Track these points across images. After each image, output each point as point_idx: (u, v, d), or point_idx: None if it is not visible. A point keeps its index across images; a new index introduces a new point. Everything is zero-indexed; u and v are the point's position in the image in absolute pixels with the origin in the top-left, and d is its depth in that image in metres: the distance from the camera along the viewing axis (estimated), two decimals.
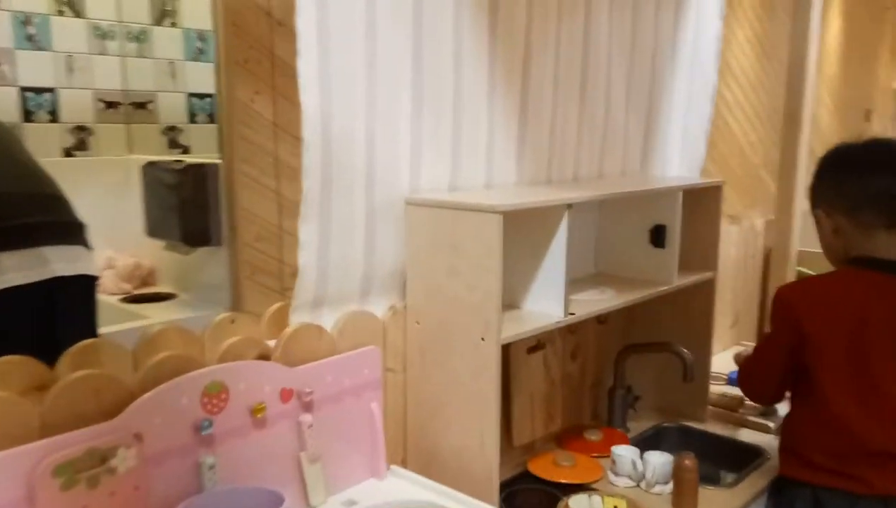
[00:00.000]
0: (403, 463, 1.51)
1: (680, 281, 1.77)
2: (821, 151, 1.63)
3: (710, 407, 1.99)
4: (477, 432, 1.37)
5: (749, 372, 1.63)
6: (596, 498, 1.47)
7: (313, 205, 1.29)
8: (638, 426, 1.93)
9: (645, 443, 1.85)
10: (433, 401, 1.45)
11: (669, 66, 2.04)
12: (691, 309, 1.92)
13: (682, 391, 1.96)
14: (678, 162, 2.16)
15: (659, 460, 1.60)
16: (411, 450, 1.51)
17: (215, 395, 1.16)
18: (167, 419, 1.10)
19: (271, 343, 1.28)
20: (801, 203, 2.61)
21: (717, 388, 2.06)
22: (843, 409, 1.41)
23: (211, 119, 1.28)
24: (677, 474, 1.53)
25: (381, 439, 1.40)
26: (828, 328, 1.42)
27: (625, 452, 1.65)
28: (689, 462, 1.52)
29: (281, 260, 1.30)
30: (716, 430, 1.92)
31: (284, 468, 1.26)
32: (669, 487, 1.59)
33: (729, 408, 2.00)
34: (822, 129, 3.41)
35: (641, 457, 1.63)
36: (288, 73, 1.24)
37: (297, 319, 1.31)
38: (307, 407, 1.28)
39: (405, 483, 1.38)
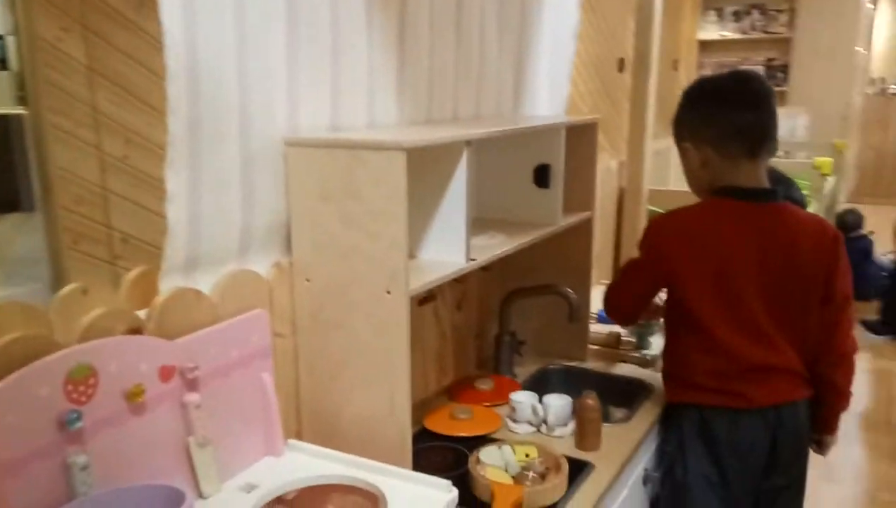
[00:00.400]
0: (298, 436, 1.36)
1: (563, 221, 1.73)
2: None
3: (590, 346, 2.00)
4: (385, 394, 1.26)
5: (613, 292, 1.68)
6: (506, 448, 1.41)
7: (181, 150, 1.09)
8: (524, 371, 1.90)
9: (534, 387, 1.82)
10: (330, 366, 1.31)
11: (536, 5, 1.98)
12: (569, 250, 1.90)
13: (563, 332, 1.95)
14: (546, 103, 2.12)
15: (559, 402, 1.57)
16: (307, 421, 1.36)
17: (82, 381, 0.95)
18: (22, 416, 0.89)
19: (141, 314, 1.08)
20: (651, 144, 2.70)
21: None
22: (719, 333, 1.48)
23: (3, 64, 1.04)
24: (580, 414, 1.51)
25: (276, 412, 1.24)
26: (695, 260, 1.48)
27: (524, 398, 1.60)
28: (592, 401, 1.51)
29: (108, 225, 1.08)
30: (598, 368, 1.93)
31: (170, 457, 1.08)
32: (569, 428, 1.57)
33: (608, 346, 2.03)
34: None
35: (540, 401, 1.60)
36: (101, 9, 1.02)
37: (168, 284, 1.12)
38: (192, 385, 1.10)
39: (306, 458, 1.24)
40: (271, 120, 1.24)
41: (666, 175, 3.39)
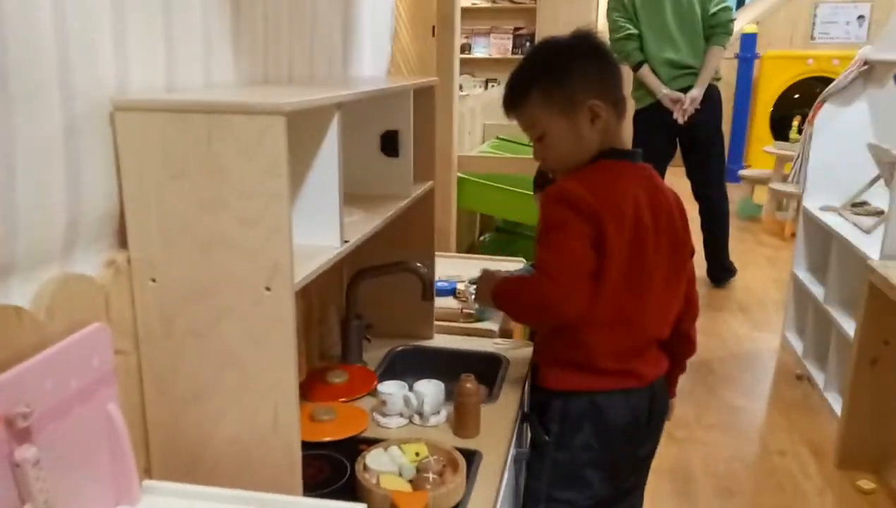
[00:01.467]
0: (147, 474, 1.10)
1: (414, 192, 1.59)
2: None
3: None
4: (268, 409, 1.04)
5: (554, 278, 1.32)
6: (394, 450, 1.26)
7: None
8: (372, 357, 1.75)
9: (388, 374, 1.68)
10: (191, 385, 1.06)
11: None
12: (412, 224, 1.76)
13: (409, 311, 1.82)
14: (370, 63, 1.95)
15: (433, 390, 1.45)
16: (158, 455, 1.10)
17: None
18: None
19: None
20: (457, 109, 2.64)
21: None
22: (629, 304, 1.38)
23: None
24: (460, 399, 1.40)
25: (129, 451, 0.98)
26: (617, 224, 1.33)
27: (393, 389, 1.46)
28: (471, 384, 1.41)
29: None
30: (447, 345, 1.84)
31: None
32: (443, 416, 1.46)
33: (449, 320, 1.94)
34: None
35: (410, 390, 1.46)
36: None
37: None
38: (24, 436, 0.81)
39: (172, 502, 1.00)
40: (96, 77, 0.96)
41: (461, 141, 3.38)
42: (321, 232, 1.17)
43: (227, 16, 1.22)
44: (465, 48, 7.99)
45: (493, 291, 1.46)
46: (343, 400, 1.54)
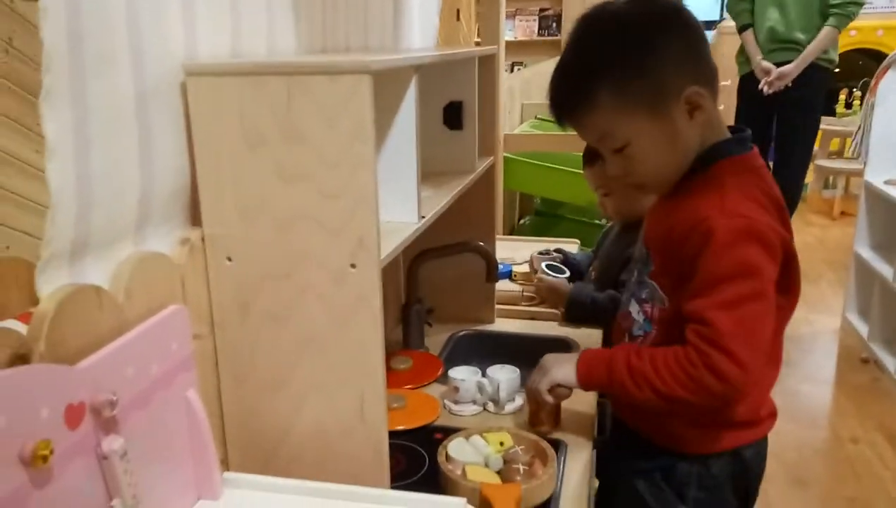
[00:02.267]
0: (224, 465, 1.04)
1: (479, 166, 1.51)
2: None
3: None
4: (353, 397, 0.97)
5: (745, 366, 0.97)
6: (477, 440, 1.19)
7: (61, 76, 0.73)
8: (433, 342, 1.68)
9: (452, 360, 1.61)
10: (271, 371, 0.99)
11: None
12: (473, 202, 1.68)
13: (469, 294, 1.75)
14: (418, 35, 1.87)
15: (508, 376, 1.37)
16: (236, 447, 1.03)
17: None
18: None
19: (19, 329, 0.71)
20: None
21: None
22: (782, 335, 1.13)
23: None
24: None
25: (210, 442, 0.91)
26: (790, 244, 1.06)
27: (467, 375, 1.38)
28: None
29: None
30: (511, 329, 1.76)
31: None
32: (518, 402, 1.38)
33: (511, 303, 1.86)
34: None
35: (484, 376, 1.39)
36: None
37: (51, 282, 0.75)
38: (110, 426, 0.75)
39: (258, 496, 0.93)
40: (166, 44, 0.89)
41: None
42: (398, 206, 1.09)
43: None
44: None
45: (591, 365, 1.13)
46: (410, 387, 1.47)
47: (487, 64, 1.58)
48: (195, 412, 0.90)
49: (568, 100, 1.07)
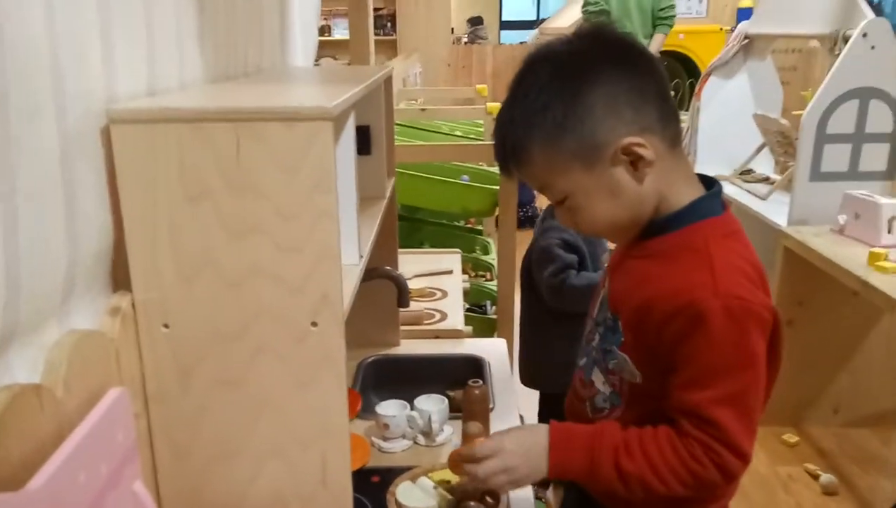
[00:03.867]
0: None
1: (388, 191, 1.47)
2: None
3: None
4: (314, 460, 0.90)
5: (745, 456, 0.91)
6: (424, 481, 1.15)
7: None
8: None
9: (363, 389, 1.56)
10: (219, 442, 0.89)
11: None
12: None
13: (371, 318, 1.70)
14: (301, 52, 1.78)
15: (438, 406, 1.35)
16: None
17: None
18: None
19: None
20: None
21: None
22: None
23: None
24: (470, 407, 1.30)
25: None
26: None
27: (396, 410, 1.34)
28: (480, 391, 1.31)
29: None
30: (418, 351, 1.73)
31: None
32: (448, 431, 1.36)
33: (412, 323, 1.83)
34: None
35: (413, 408, 1.35)
36: None
37: None
38: None
39: None
40: (88, 84, 0.77)
41: None
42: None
43: (193, 10, 1.04)
44: (325, 30, 7.73)
45: (567, 460, 0.97)
46: None
47: (387, 85, 1.53)
48: (144, 506, 0.79)
49: (503, 153, 0.99)
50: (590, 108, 0.92)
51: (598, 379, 1.05)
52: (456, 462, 1.05)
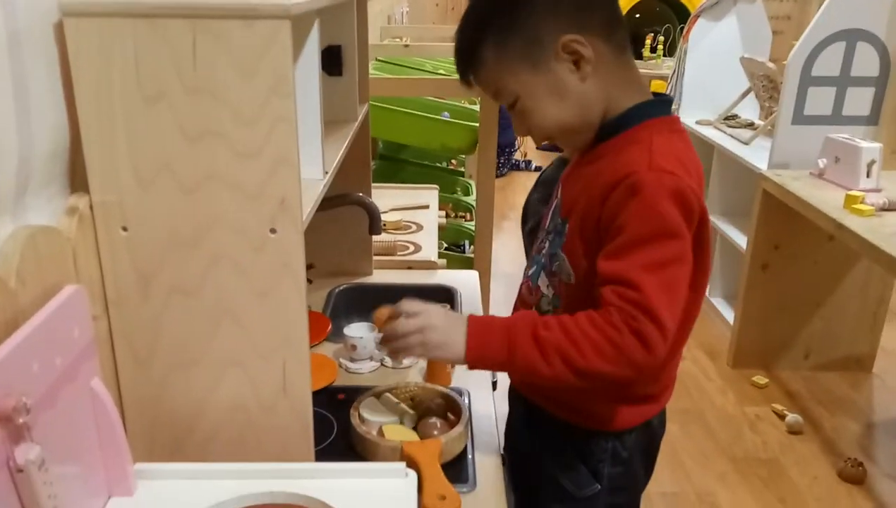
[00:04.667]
0: None
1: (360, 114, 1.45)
2: None
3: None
4: (275, 368, 0.91)
5: (668, 332, 0.91)
6: (388, 398, 1.16)
7: None
8: (314, 298, 1.61)
9: (335, 315, 1.56)
10: (178, 350, 0.89)
11: None
12: (347, 152, 1.61)
13: (344, 247, 1.70)
14: None
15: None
16: (139, 434, 0.93)
17: None
18: None
19: None
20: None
21: None
22: (696, 306, 1.05)
23: None
24: None
25: (122, 433, 0.82)
26: (705, 214, 0.99)
27: (364, 332, 1.35)
28: None
29: None
30: (391, 279, 1.73)
31: None
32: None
33: (385, 253, 1.83)
34: None
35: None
36: None
37: None
38: (21, 434, 0.64)
39: (176, 485, 0.85)
40: None
41: None
42: (304, 163, 1.01)
43: None
44: None
45: (483, 338, 0.97)
46: None
47: (360, 5, 1.50)
48: (103, 403, 0.79)
49: (460, 58, 1.03)
50: (533, 6, 0.96)
51: (543, 283, 1.08)
52: (380, 317, 1.06)
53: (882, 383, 2.79)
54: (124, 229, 0.85)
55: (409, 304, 1.02)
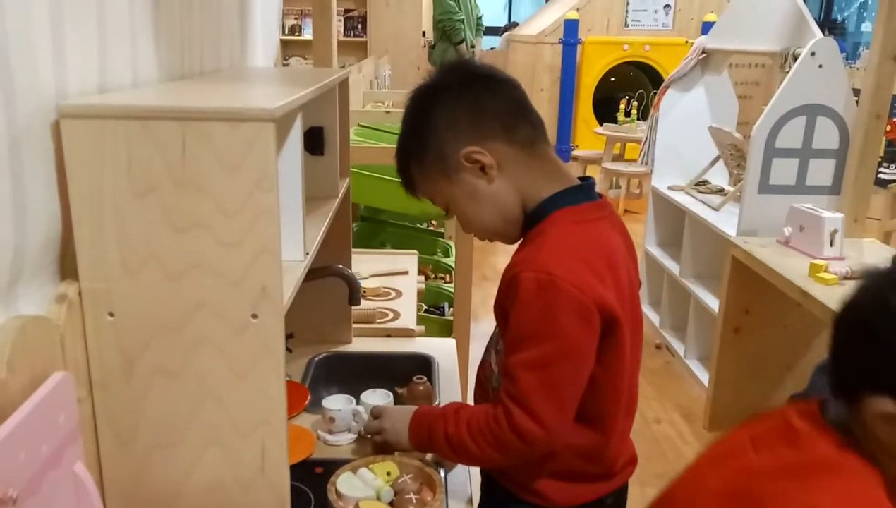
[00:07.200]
0: None
1: (342, 191, 1.50)
2: None
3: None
4: (254, 449, 0.93)
5: (549, 428, 0.99)
6: (365, 473, 1.19)
7: None
8: (294, 367, 1.64)
9: (315, 385, 1.59)
10: (160, 429, 0.92)
11: None
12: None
13: (324, 316, 1.73)
14: (262, 52, 1.81)
15: (383, 400, 1.39)
16: None
17: None
18: None
19: None
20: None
21: None
22: (633, 379, 1.12)
23: None
24: (413, 403, 1.34)
25: None
26: (620, 299, 1.02)
27: (342, 404, 1.38)
28: (423, 387, 1.36)
29: None
30: (369, 348, 1.76)
31: None
32: None
33: (364, 321, 1.86)
34: None
35: (358, 403, 1.39)
36: None
37: None
38: None
39: None
40: (37, 78, 0.80)
41: None
42: (286, 245, 1.05)
43: (147, 8, 1.07)
44: (296, 29, 7.74)
45: (419, 435, 1.15)
46: None
47: (342, 87, 1.57)
48: (85, 487, 0.82)
49: (399, 176, 1.17)
50: (435, 127, 1.07)
51: (492, 360, 1.16)
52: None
53: None
54: (111, 314, 0.88)
55: (376, 408, 1.27)
